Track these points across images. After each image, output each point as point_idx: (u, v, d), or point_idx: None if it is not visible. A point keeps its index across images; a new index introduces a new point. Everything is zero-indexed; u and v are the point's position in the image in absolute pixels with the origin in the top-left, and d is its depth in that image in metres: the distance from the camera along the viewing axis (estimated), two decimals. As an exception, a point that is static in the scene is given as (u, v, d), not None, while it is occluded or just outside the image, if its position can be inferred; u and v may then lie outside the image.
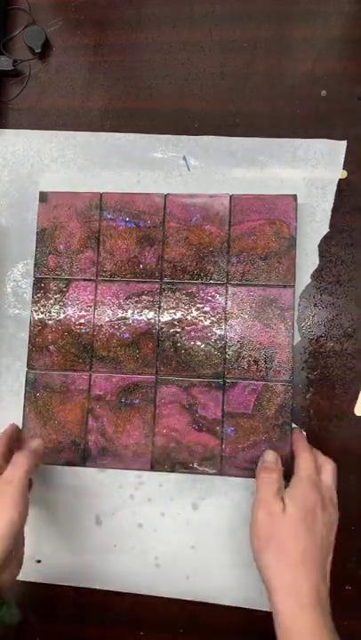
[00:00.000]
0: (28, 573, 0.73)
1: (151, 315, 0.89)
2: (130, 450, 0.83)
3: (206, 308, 0.89)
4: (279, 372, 0.87)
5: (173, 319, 0.87)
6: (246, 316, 0.86)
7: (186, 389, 0.85)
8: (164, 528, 0.75)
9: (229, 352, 0.84)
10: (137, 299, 0.90)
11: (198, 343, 0.87)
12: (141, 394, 0.86)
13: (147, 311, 0.89)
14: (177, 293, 0.89)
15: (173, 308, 0.89)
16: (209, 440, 0.84)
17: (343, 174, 0.86)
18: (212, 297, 0.89)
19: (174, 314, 0.88)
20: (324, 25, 0.83)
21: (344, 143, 0.84)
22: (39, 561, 0.71)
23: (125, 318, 0.89)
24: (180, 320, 0.89)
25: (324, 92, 0.84)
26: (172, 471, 0.84)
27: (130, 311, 0.88)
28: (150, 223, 0.90)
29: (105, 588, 0.70)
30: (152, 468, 0.84)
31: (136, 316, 0.89)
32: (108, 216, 0.89)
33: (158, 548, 0.73)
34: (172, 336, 0.88)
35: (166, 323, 0.88)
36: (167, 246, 0.89)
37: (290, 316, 0.84)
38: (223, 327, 0.87)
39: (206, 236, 0.89)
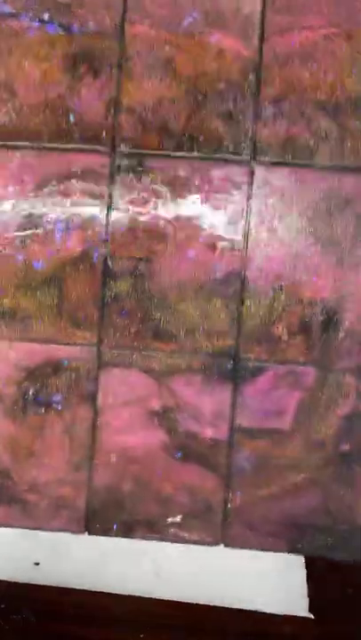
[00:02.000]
0: (26, 576, 0.65)
1: (92, 220, 0.50)
2: (44, 494, 0.50)
3: (208, 211, 0.35)
4: (351, 349, 0.48)
5: (137, 231, 0.49)
6: (289, 230, 0.39)
7: (158, 378, 0.35)
8: None
9: (251, 304, 0.43)
10: (62, 186, 0.36)
11: (187, 285, 0.33)
12: (68, 383, 0.34)
13: (82, 212, 0.50)
14: (147, 178, 0.49)
15: (139, 207, 0.49)
16: (202, 480, 0.51)
17: None
18: (221, 187, 0.40)
19: (139, 219, 0.49)
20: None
21: None
22: (37, 564, 0.65)
23: (37, 227, 0.49)
24: (150, 233, 0.34)
25: None
26: (128, 536, 0.34)
27: (47, 214, 0.50)
28: (94, 26, 0.49)
29: (105, 591, 0.65)
30: (87, 529, 0.51)
31: (59, 224, 0.35)
32: (7, 10, 0.34)
33: (159, 549, 0.63)
34: (134, 268, 0.49)
35: (123, 240, 0.49)
36: (129, 78, 0.39)
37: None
38: (241, 252, 0.33)
39: (213, 58, 0.39)
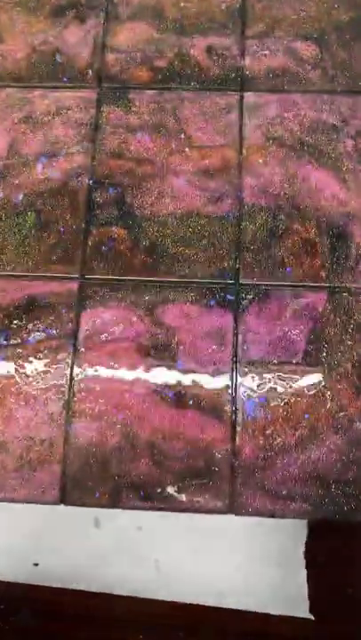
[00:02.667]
0: (25, 576, 0.65)
1: (75, 153, 0.47)
2: (11, 454, 0.41)
3: (198, 140, 0.32)
4: (359, 268, 0.43)
5: (123, 159, 0.31)
6: (284, 152, 0.29)
7: (148, 310, 0.26)
8: (164, 531, 0.67)
9: (250, 225, 0.27)
10: (48, 120, 0.33)
11: (179, 209, 0.29)
12: (43, 323, 0.28)
13: (66, 147, 0.47)
14: (136, 108, 0.48)
15: (125, 136, 0.33)
16: (201, 427, 0.41)
17: None
18: (209, 116, 0.32)
19: (125, 150, 0.47)
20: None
21: None
22: (37, 564, 0.67)
23: (14, 157, 0.46)
24: (139, 161, 0.31)
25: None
26: (115, 506, 0.24)
27: (28, 143, 0.34)
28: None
29: (104, 591, 0.67)
30: (64, 500, 0.41)
31: (42, 157, 0.32)
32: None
33: (158, 551, 0.68)
34: (120, 194, 0.45)
35: (106, 172, 0.46)
36: (115, 22, 0.33)
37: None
38: (234, 173, 0.30)
39: (198, 2, 0.34)
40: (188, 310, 0.42)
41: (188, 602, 0.67)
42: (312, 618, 0.63)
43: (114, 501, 0.40)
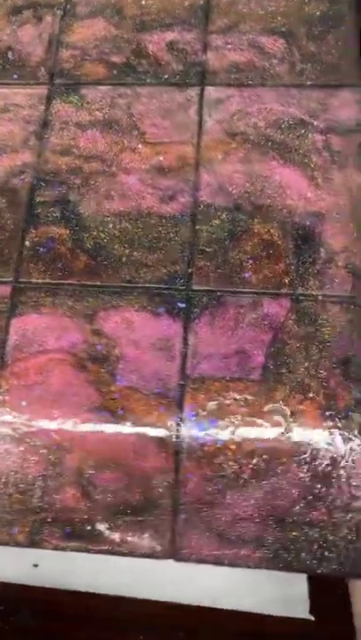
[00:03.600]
0: (25, 577, 0.67)
1: (20, 150, 0.43)
2: None
3: (153, 136, 0.28)
4: (328, 273, 0.37)
5: (71, 157, 0.43)
6: (246, 148, 0.33)
7: (87, 318, 0.21)
8: None
9: (205, 226, 0.29)
10: None
11: (128, 208, 0.24)
12: None
13: (11, 144, 0.44)
14: (88, 105, 0.45)
15: (75, 132, 0.45)
16: (139, 454, 0.31)
17: None
18: (166, 112, 0.28)
19: (73, 147, 0.44)
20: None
21: None
22: (36, 565, 0.68)
23: None
24: (87, 159, 0.26)
25: None
26: (36, 545, 0.18)
27: None
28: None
29: (104, 592, 0.69)
30: None
31: None
32: None
33: None
34: (64, 192, 0.42)
35: (52, 170, 0.42)
36: (72, 19, 0.31)
37: (351, 148, 0.41)
38: (191, 171, 0.25)
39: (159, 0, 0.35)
40: (132, 318, 0.37)
41: (187, 602, 0.67)
42: (312, 618, 0.64)
43: (33, 539, 0.34)
